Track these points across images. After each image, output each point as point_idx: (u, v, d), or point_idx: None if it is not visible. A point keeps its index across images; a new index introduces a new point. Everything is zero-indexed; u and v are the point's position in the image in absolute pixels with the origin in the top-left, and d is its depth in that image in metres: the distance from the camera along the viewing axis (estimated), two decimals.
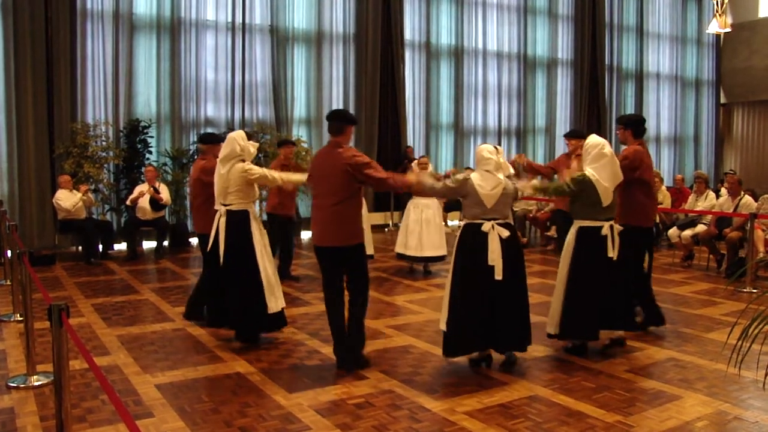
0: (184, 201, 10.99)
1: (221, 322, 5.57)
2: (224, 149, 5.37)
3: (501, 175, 4.79)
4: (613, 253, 5.02)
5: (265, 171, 5.42)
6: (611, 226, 5.07)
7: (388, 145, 13.14)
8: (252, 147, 5.45)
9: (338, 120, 4.84)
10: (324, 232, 4.79)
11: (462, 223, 4.91)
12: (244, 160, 5.37)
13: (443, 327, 4.80)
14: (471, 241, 4.73)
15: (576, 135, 7.21)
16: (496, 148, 4.86)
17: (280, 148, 8.17)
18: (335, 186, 4.71)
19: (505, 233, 4.71)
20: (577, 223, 5.15)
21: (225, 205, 5.37)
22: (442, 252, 8.38)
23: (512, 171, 5.11)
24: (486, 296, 4.67)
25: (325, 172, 4.76)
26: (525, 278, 4.89)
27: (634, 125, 5.84)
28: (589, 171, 5.05)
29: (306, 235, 11.65)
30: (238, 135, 5.38)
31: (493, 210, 4.73)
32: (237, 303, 5.33)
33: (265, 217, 8.20)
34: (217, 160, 5.47)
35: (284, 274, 7.76)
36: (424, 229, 8.28)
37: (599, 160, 5.06)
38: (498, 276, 4.63)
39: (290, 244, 8.06)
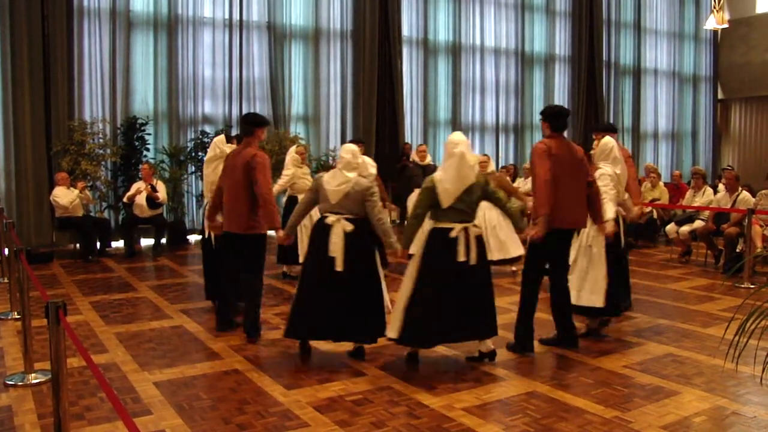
0: (182, 198, 10.99)
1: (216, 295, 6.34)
2: (210, 152, 6.37)
3: (351, 174, 4.91)
4: (464, 257, 4.70)
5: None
6: (465, 229, 4.74)
7: (385, 142, 13.12)
8: (228, 149, 6.17)
9: (246, 123, 5.64)
10: (228, 219, 5.57)
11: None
12: None
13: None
14: (317, 234, 4.97)
15: (604, 129, 6.59)
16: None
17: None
18: (238, 181, 5.41)
19: (349, 227, 4.84)
20: (431, 224, 4.83)
21: None
22: None
23: (372, 172, 5.10)
24: (327, 286, 4.83)
25: (232, 167, 5.50)
26: (373, 275, 4.95)
27: (549, 117, 5.22)
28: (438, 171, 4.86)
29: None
30: (219, 140, 6.36)
31: (339, 205, 4.91)
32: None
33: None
34: (206, 160, 6.46)
35: (384, 263, 8.51)
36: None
37: (447, 160, 4.78)
38: (338, 267, 4.79)
39: None
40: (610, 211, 5.39)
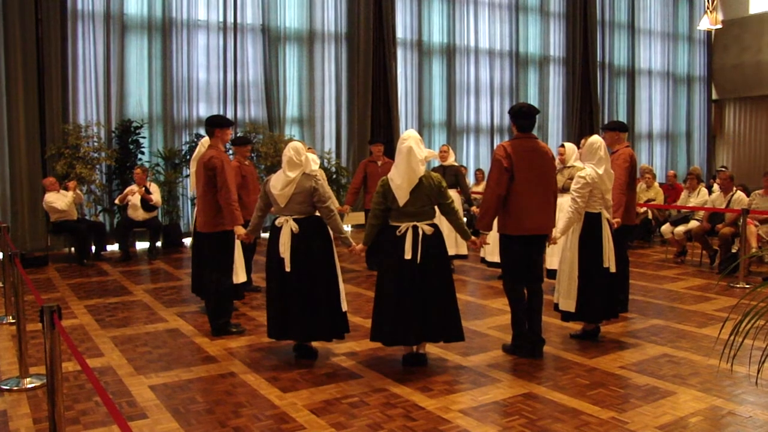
0: (177, 201, 10.97)
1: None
2: (196, 152, 6.63)
3: (293, 173, 4.94)
4: (409, 254, 4.65)
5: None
6: (415, 227, 4.70)
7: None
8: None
9: (206, 124, 5.86)
10: (197, 218, 5.87)
11: None
12: None
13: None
14: (271, 236, 5.05)
15: (613, 127, 6.49)
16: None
17: (371, 146, 9.03)
18: (200, 180, 5.68)
19: (296, 227, 4.90)
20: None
21: None
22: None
23: (314, 167, 5.12)
24: (282, 287, 4.93)
25: (198, 167, 5.76)
26: (327, 273, 4.96)
27: (514, 117, 5.08)
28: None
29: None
30: (204, 140, 6.39)
31: (287, 208, 4.98)
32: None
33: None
34: (191, 159, 6.87)
35: (374, 264, 8.62)
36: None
37: (396, 157, 4.76)
38: (287, 268, 4.88)
39: None
40: (560, 222, 5.35)
